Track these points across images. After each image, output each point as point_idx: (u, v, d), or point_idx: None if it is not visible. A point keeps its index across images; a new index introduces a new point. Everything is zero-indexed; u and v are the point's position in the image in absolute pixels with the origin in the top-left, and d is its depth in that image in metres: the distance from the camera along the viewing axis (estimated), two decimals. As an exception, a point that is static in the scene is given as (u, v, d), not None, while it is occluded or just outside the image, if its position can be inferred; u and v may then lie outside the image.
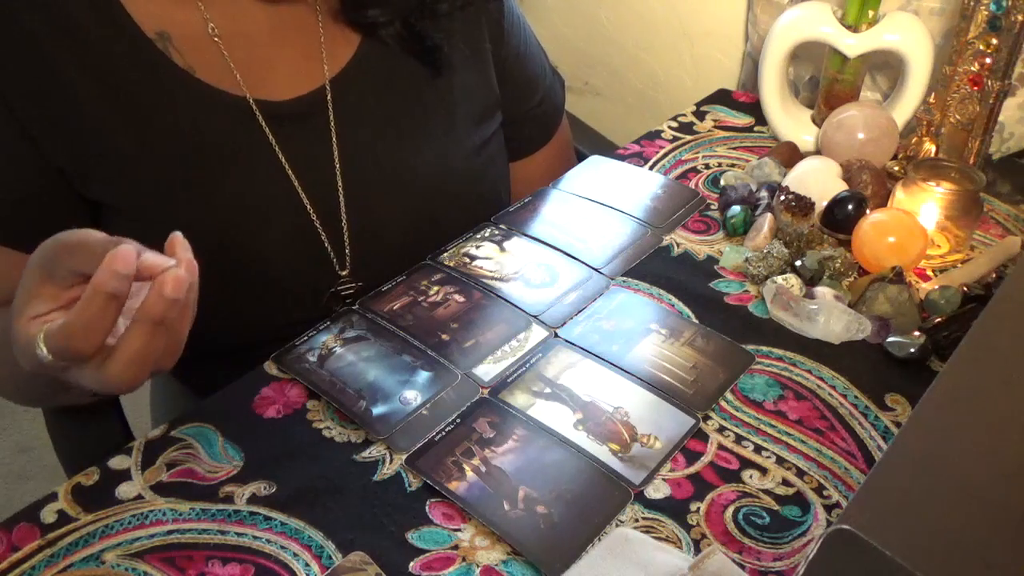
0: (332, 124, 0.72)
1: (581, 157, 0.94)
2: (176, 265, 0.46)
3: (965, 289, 0.70)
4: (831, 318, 0.68)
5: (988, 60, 0.81)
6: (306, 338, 0.67)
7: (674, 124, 0.99)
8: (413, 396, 0.62)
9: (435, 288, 0.72)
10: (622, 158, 0.92)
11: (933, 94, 0.87)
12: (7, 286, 0.66)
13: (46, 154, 0.64)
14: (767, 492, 0.57)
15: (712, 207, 0.85)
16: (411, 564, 0.52)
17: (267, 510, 0.56)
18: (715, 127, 0.99)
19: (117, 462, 0.59)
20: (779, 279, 0.71)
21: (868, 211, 0.77)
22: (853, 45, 0.89)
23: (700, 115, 1.02)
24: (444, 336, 0.67)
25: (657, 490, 0.57)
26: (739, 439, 0.61)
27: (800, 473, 0.58)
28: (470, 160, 0.79)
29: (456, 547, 0.54)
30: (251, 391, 0.64)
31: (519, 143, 0.89)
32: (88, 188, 0.66)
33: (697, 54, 1.21)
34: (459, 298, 0.71)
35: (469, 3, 0.77)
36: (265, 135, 0.69)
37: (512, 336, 0.68)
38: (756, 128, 0.99)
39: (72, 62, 0.63)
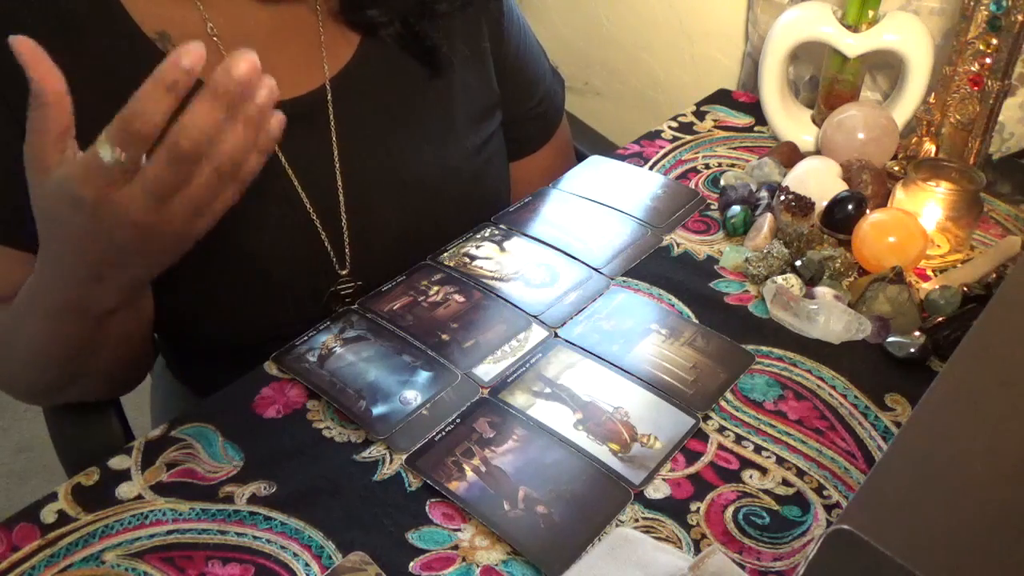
0: (332, 124, 0.72)
1: (581, 157, 0.94)
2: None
3: (965, 289, 0.70)
4: (831, 318, 0.68)
5: (988, 60, 0.81)
6: (306, 338, 0.67)
7: (674, 124, 0.99)
8: (413, 396, 0.62)
9: (435, 288, 0.72)
10: (622, 158, 0.92)
11: (933, 94, 0.87)
12: (8, 285, 0.66)
13: (46, 154, 0.64)
14: (767, 492, 0.57)
15: (712, 207, 0.85)
16: (411, 564, 0.52)
17: (267, 510, 0.56)
18: (715, 127, 0.99)
19: (117, 462, 0.59)
20: (779, 279, 0.71)
21: (868, 211, 0.77)
22: (853, 45, 0.89)
23: (700, 115, 1.02)
24: (444, 336, 0.67)
25: (657, 490, 0.57)
26: (739, 439, 0.61)
27: (800, 473, 0.58)
28: (470, 160, 0.79)
29: (456, 547, 0.54)
30: (251, 391, 0.64)
31: (519, 143, 0.89)
32: (88, 188, 0.66)
33: (697, 54, 1.21)
34: (459, 298, 0.71)
35: (469, 3, 0.77)
36: (265, 135, 0.69)
37: (512, 336, 0.68)
38: (756, 128, 0.99)
39: (72, 62, 0.63)
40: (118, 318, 0.62)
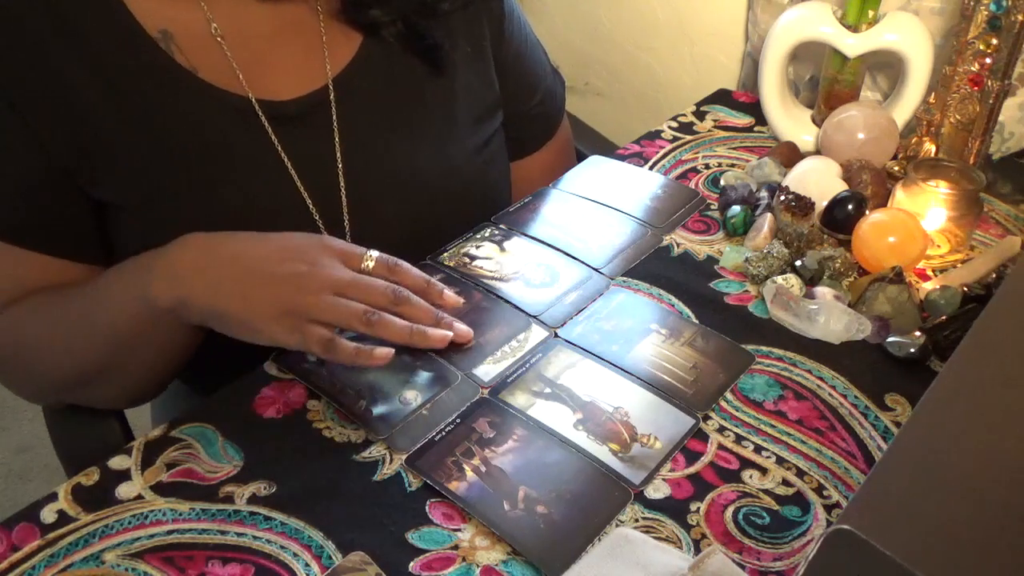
0: (335, 123, 0.72)
1: (581, 157, 0.94)
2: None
3: (965, 289, 0.70)
4: (831, 318, 0.68)
5: (988, 60, 0.81)
6: (306, 338, 0.67)
7: (674, 124, 0.99)
8: (413, 396, 0.62)
9: (435, 288, 0.72)
10: (622, 158, 0.92)
11: (933, 94, 0.87)
12: (13, 284, 0.66)
13: (52, 154, 0.64)
14: (767, 492, 0.57)
15: (712, 207, 0.85)
16: (411, 564, 0.52)
17: (267, 510, 0.56)
18: (715, 127, 0.99)
19: (117, 462, 0.59)
20: (779, 279, 0.71)
21: (868, 211, 0.77)
22: (853, 45, 0.89)
23: (700, 115, 1.02)
24: (444, 336, 0.67)
25: (657, 490, 0.57)
26: (739, 439, 0.61)
27: (800, 473, 0.58)
28: (471, 159, 0.79)
29: (456, 547, 0.54)
30: (251, 391, 0.64)
31: (519, 142, 0.89)
32: (93, 187, 0.67)
33: (697, 54, 1.21)
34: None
35: (470, 1, 0.77)
36: (267, 135, 0.69)
37: (512, 336, 0.68)
38: (756, 128, 0.99)
39: (76, 63, 0.64)
40: (168, 321, 0.62)
